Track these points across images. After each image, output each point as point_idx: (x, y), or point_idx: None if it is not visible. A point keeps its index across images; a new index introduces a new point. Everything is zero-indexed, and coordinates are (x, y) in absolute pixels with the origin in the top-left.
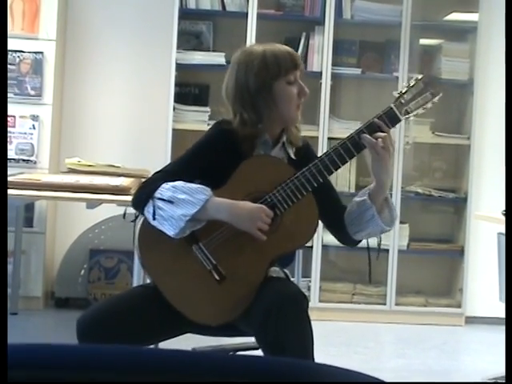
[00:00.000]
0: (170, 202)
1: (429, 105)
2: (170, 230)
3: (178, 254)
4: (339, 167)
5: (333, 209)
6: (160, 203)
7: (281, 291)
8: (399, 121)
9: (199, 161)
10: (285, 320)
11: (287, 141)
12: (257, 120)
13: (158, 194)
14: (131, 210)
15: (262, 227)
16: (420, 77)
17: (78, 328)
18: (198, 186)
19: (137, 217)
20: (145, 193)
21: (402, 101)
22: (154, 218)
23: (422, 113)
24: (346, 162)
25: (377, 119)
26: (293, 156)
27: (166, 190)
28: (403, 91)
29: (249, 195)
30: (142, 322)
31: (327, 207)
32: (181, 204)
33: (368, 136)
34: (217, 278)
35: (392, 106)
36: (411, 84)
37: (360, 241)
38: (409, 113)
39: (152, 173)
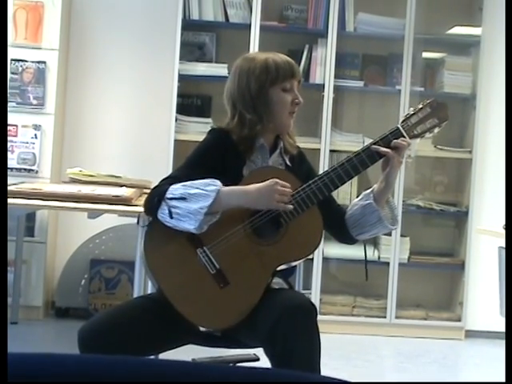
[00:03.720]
0: (183, 198)
1: (435, 129)
2: (191, 225)
3: (182, 257)
4: (344, 182)
5: (333, 212)
6: (174, 202)
7: (291, 301)
8: None
9: (202, 165)
10: (295, 331)
11: (283, 148)
12: (257, 121)
13: (169, 195)
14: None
15: (281, 199)
16: (428, 101)
17: (79, 338)
18: (207, 180)
19: (151, 222)
20: (156, 196)
21: (409, 123)
22: (172, 217)
23: (429, 137)
24: (352, 177)
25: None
26: (288, 163)
27: (176, 189)
28: (410, 114)
29: None
30: (142, 333)
31: (327, 211)
32: (194, 198)
33: (386, 149)
34: (220, 283)
35: (399, 126)
36: (418, 108)
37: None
38: (415, 135)
39: (153, 183)
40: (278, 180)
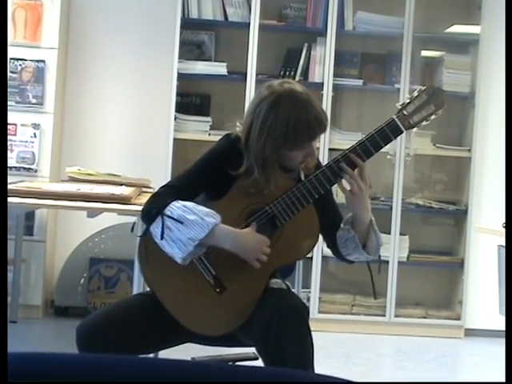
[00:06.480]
0: (179, 221)
1: (432, 117)
2: (178, 254)
3: (178, 265)
4: (341, 178)
5: (330, 224)
6: (169, 222)
7: (282, 302)
8: (401, 132)
9: (206, 173)
10: (286, 330)
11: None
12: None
13: (167, 212)
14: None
15: (261, 259)
16: (423, 88)
17: (77, 336)
18: (209, 209)
19: (146, 231)
20: (155, 207)
21: (405, 112)
22: (162, 238)
23: (425, 124)
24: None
25: (352, 153)
26: (303, 178)
27: (176, 208)
28: (406, 103)
29: (249, 206)
30: (140, 331)
31: (325, 222)
32: (190, 225)
33: (347, 170)
34: (217, 288)
35: (394, 117)
36: (414, 95)
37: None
38: (411, 125)
39: (152, 182)
40: (267, 240)
